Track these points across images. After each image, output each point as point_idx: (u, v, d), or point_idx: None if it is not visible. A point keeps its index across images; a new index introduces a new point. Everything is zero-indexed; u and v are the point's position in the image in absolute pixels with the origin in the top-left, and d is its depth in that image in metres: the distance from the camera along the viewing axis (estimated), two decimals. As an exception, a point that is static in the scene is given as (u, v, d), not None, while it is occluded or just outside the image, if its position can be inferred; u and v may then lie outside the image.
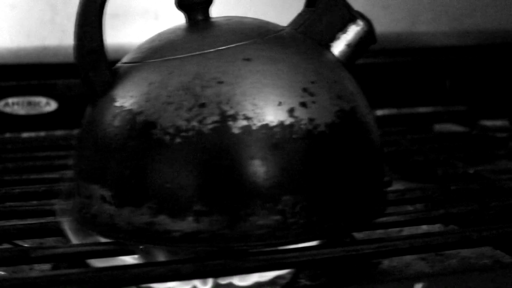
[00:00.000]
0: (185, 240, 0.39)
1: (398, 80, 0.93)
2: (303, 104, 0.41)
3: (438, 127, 0.89)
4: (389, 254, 0.43)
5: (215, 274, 0.40)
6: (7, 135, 0.84)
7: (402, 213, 0.49)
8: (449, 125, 0.89)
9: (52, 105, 0.84)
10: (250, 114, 0.40)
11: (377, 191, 0.45)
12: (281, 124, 0.40)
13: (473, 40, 0.95)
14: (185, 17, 0.46)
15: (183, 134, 0.39)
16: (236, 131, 0.39)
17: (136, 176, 0.40)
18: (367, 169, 0.43)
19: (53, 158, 0.71)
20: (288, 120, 0.40)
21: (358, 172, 0.42)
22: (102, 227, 0.42)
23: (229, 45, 0.42)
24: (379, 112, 0.91)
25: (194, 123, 0.39)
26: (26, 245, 0.48)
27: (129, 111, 0.41)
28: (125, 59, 0.45)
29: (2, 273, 0.46)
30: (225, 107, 0.40)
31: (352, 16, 0.45)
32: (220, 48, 0.42)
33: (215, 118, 0.39)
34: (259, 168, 0.39)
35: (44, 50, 0.84)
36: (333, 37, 0.45)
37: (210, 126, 0.39)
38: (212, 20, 0.46)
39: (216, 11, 0.47)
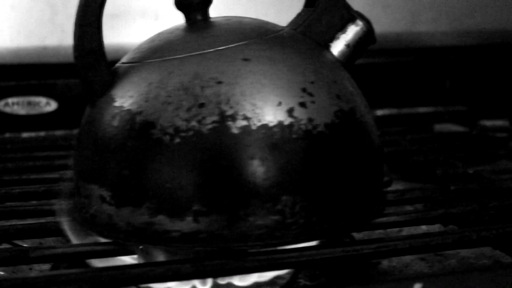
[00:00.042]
0: (184, 240, 0.39)
1: (398, 80, 0.93)
2: (302, 104, 0.41)
3: (438, 127, 0.89)
4: (388, 254, 0.43)
5: (214, 274, 0.40)
6: (7, 135, 0.84)
7: (402, 213, 0.49)
8: (449, 125, 0.89)
9: (52, 105, 0.84)
10: (249, 114, 0.40)
11: (376, 191, 0.45)
12: (280, 124, 0.40)
13: (473, 40, 0.95)
14: (184, 17, 0.46)
15: (182, 134, 0.39)
16: (235, 131, 0.39)
17: (135, 176, 0.40)
18: (367, 169, 0.43)
19: (53, 158, 0.71)
20: (287, 120, 0.40)
21: (357, 172, 0.42)
22: (102, 227, 0.42)
23: (228, 45, 0.42)
24: (379, 112, 0.91)
25: (194, 123, 0.39)
26: (25, 245, 0.48)
27: (128, 111, 0.41)
28: (124, 59, 0.45)
29: (2, 273, 0.46)
30: (225, 107, 0.40)
31: (351, 16, 0.45)
32: (220, 48, 0.42)
33: (215, 118, 0.39)
34: (258, 168, 0.39)
35: (44, 50, 0.84)
36: (333, 37, 0.45)
37: (210, 126, 0.39)
38: (211, 20, 0.46)
39: (215, 11, 0.47)
